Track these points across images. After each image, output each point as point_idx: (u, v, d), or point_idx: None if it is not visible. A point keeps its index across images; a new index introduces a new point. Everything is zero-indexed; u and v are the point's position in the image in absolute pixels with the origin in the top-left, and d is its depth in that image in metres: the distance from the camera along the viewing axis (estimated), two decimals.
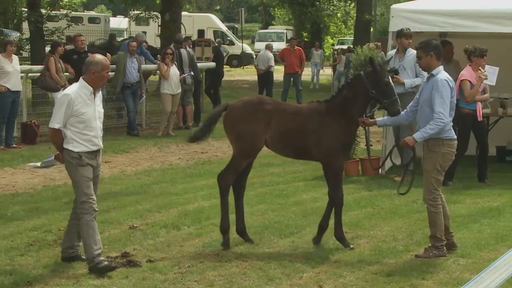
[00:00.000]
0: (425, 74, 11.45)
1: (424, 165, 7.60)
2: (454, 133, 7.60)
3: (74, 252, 7.31)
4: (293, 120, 7.84)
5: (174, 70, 16.83)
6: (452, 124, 7.62)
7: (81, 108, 6.98)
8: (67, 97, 6.98)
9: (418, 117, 7.69)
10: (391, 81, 7.80)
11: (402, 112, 7.87)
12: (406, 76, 11.60)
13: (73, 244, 7.31)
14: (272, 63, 23.96)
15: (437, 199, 7.52)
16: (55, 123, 7.03)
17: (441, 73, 7.54)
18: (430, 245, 7.55)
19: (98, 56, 7.25)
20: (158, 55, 19.20)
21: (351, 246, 7.84)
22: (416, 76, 11.57)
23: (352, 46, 32.08)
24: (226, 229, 7.93)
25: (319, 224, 8.08)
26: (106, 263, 6.95)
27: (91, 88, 7.04)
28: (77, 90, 7.03)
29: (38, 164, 7.49)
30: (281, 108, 7.95)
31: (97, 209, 7.16)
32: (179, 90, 16.92)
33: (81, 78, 7.13)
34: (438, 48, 7.63)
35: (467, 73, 11.17)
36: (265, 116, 7.77)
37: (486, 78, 11.16)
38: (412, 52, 11.52)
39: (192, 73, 17.43)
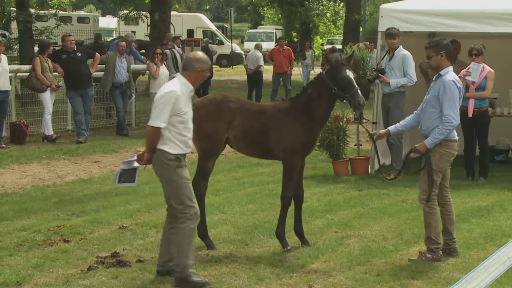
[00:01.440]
0: (412, 74, 11.58)
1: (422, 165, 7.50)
2: (455, 134, 7.46)
3: (174, 265, 6.63)
4: (257, 119, 7.74)
5: (163, 70, 16.81)
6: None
7: (184, 107, 6.47)
8: (174, 94, 6.42)
9: (422, 116, 7.54)
10: (349, 75, 7.57)
11: (412, 115, 7.76)
12: (394, 76, 11.63)
13: (173, 256, 6.62)
14: (262, 63, 23.95)
15: (433, 200, 7.41)
16: (160, 122, 6.40)
17: (449, 74, 7.41)
18: (426, 248, 7.44)
19: (202, 54, 6.78)
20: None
21: (289, 247, 7.67)
22: (404, 76, 11.60)
23: (335, 46, 32.12)
24: (203, 234, 7.89)
25: (294, 231, 8.01)
26: (198, 279, 6.53)
27: (191, 86, 6.57)
28: (180, 87, 6.50)
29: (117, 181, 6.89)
30: (245, 107, 7.85)
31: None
32: None
33: (180, 75, 6.65)
34: (448, 47, 7.53)
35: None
36: (228, 114, 7.70)
37: (470, 75, 11.27)
38: (401, 52, 11.56)
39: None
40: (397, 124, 7.95)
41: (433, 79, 7.59)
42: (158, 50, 16.99)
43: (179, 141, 6.53)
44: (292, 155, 7.67)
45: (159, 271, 6.81)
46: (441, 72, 7.43)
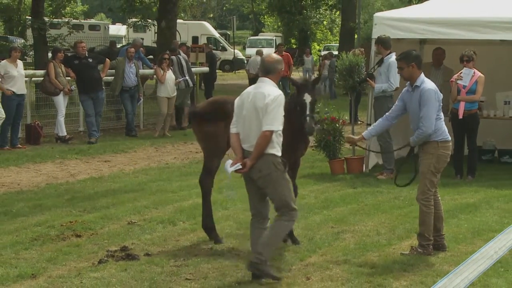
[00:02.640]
0: (393, 81, 11.54)
1: (420, 166, 7.41)
2: (448, 134, 7.40)
3: (257, 253, 6.49)
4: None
5: (170, 75, 16.79)
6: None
7: (282, 110, 6.38)
8: (283, 97, 6.34)
9: (412, 126, 7.44)
10: (305, 99, 7.32)
11: (383, 118, 7.77)
12: (381, 81, 11.61)
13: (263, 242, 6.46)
14: None
15: (430, 200, 7.36)
16: (278, 125, 6.26)
17: (425, 83, 7.31)
18: (417, 243, 7.42)
19: (277, 56, 6.76)
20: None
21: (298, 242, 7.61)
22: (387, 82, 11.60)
23: (332, 52, 32.07)
24: (209, 227, 7.88)
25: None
26: (273, 272, 6.46)
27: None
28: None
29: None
30: None
31: None
32: (174, 94, 16.89)
33: (266, 79, 6.47)
34: (418, 58, 7.44)
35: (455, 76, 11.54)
36: (225, 116, 7.61)
37: (461, 79, 11.31)
38: (390, 59, 11.42)
39: (187, 77, 17.36)
40: (369, 128, 7.93)
41: (411, 90, 7.41)
42: (166, 56, 16.97)
43: (280, 144, 6.40)
44: None
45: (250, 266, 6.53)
46: (417, 83, 7.31)
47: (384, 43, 11.50)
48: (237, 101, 6.65)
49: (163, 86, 16.64)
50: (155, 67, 17.51)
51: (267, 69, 6.53)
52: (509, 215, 9.03)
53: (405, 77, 7.52)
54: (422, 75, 7.43)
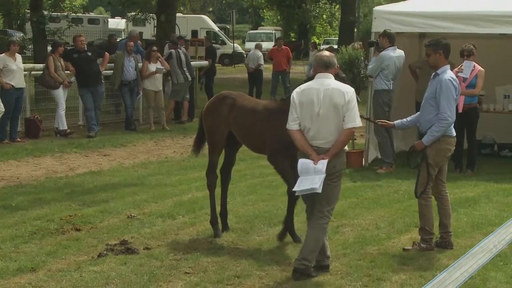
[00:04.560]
0: (368, 69, 11.61)
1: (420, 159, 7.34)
2: (453, 130, 7.33)
3: (327, 260, 6.69)
4: (247, 118, 7.61)
5: (158, 68, 16.77)
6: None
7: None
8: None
9: (420, 113, 7.41)
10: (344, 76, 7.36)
11: (418, 113, 7.60)
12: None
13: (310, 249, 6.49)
14: (262, 61, 23.92)
15: (428, 193, 7.32)
16: (359, 121, 6.39)
17: (446, 73, 7.25)
18: (420, 238, 7.37)
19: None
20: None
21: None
22: (380, 73, 11.67)
23: (332, 46, 32.01)
24: (214, 221, 7.91)
25: (283, 221, 7.76)
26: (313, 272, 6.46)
27: None
28: None
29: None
30: (241, 104, 7.70)
31: None
32: (161, 88, 16.93)
33: (326, 73, 6.48)
34: (446, 47, 7.35)
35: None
36: (226, 109, 7.67)
37: (462, 72, 11.30)
38: (382, 52, 11.60)
39: (163, 68, 17.14)
40: (404, 120, 7.73)
41: (431, 77, 7.42)
42: (154, 48, 16.98)
43: None
44: (275, 155, 7.42)
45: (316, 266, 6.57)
46: (438, 71, 7.28)
47: (390, 37, 11.55)
48: (299, 97, 6.46)
49: (150, 79, 16.66)
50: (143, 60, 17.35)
51: (327, 64, 6.53)
52: (508, 209, 9.03)
53: (431, 64, 7.45)
54: (448, 66, 7.33)
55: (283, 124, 6.79)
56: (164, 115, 17.09)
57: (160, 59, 16.96)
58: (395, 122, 7.75)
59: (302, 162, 6.38)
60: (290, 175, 7.22)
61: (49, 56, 15.46)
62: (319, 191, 6.26)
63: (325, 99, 6.36)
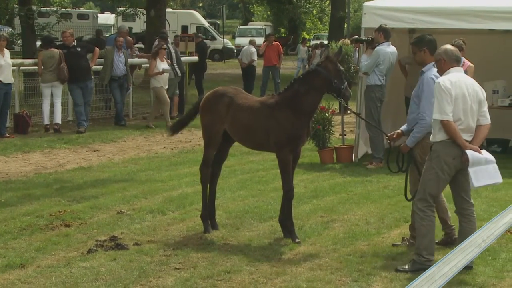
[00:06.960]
0: (364, 63, 11.61)
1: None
2: None
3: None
4: (244, 115, 7.60)
5: (165, 65, 16.63)
6: None
7: None
8: None
9: (408, 111, 7.32)
10: (342, 68, 7.58)
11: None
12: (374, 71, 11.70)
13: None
14: (255, 57, 23.89)
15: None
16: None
17: (430, 71, 7.12)
18: (409, 234, 7.31)
19: None
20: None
21: (297, 240, 7.42)
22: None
23: (323, 42, 32.01)
24: (206, 217, 7.93)
25: (279, 220, 7.75)
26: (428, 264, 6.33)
27: None
28: None
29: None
30: (237, 102, 7.68)
31: None
32: (166, 86, 16.80)
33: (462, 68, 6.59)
34: (431, 43, 7.22)
35: None
36: (223, 108, 7.66)
37: None
38: (382, 47, 11.56)
39: (169, 68, 17.00)
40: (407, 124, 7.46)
41: (420, 74, 7.29)
42: (164, 47, 16.82)
43: None
44: (280, 148, 7.49)
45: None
46: (424, 69, 7.19)
47: (386, 33, 11.53)
48: (455, 90, 6.38)
49: (157, 77, 16.45)
50: (149, 58, 17.23)
51: (458, 59, 6.59)
52: (497, 204, 9.06)
53: (417, 62, 7.41)
54: (432, 63, 7.09)
55: (286, 118, 7.00)
56: (154, 112, 17.05)
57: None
58: (402, 128, 7.41)
59: (472, 154, 6.38)
60: (290, 172, 7.49)
61: (39, 52, 15.33)
62: (501, 180, 6.56)
63: (473, 94, 6.47)
